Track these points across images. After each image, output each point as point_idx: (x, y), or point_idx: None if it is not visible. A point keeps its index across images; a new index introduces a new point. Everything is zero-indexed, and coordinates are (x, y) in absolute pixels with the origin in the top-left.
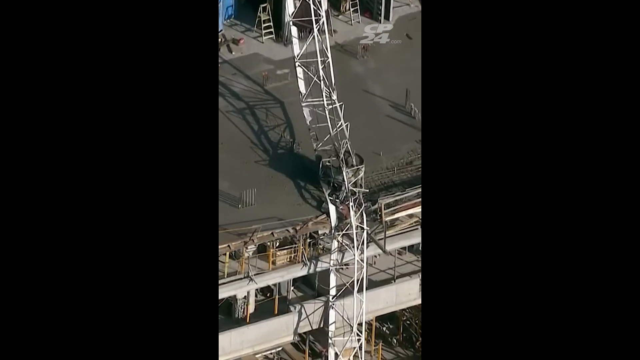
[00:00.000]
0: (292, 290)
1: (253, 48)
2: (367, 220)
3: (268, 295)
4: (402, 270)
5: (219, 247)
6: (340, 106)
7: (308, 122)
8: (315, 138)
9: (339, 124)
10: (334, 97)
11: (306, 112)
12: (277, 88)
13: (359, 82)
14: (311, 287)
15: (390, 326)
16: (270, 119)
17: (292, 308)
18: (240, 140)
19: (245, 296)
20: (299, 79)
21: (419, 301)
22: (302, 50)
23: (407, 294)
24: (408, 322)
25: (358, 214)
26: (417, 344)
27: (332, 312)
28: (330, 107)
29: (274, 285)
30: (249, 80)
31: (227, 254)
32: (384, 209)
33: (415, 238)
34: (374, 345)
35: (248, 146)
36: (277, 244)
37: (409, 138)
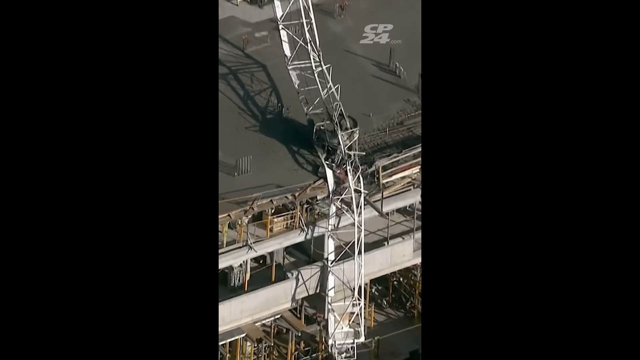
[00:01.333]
0: (285, 256)
1: (228, 11)
2: (363, 183)
3: (261, 262)
4: (392, 232)
5: (220, 217)
6: (328, 68)
7: (296, 86)
8: (305, 102)
9: (329, 86)
10: (321, 58)
11: (293, 75)
12: (257, 51)
13: (339, 42)
14: (303, 252)
15: (379, 288)
16: (255, 83)
17: (289, 275)
18: (227, 107)
19: (241, 264)
20: (283, 42)
21: (413, 262)
22: (285, 12)
23: (401, 255)
24: (397, 282)
25: (355, 178)
26: (407, 304)
27: (330, 277)
28: (319, 69)
29: (268, 252)
30: (228, 44)
31: (226, 223)
32: (381, 171)
33: (410, 199)
34: (367, 308)
35: (236, 112)
36: (273, 210)
37: (397, 97)
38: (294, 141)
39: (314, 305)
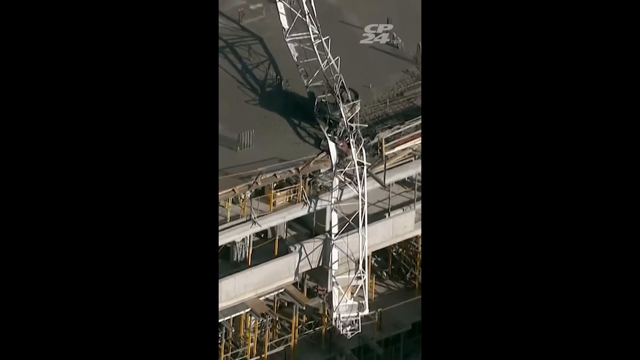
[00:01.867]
0: (287, 230)
1: None
2: (366, 156)
3: (262, 236)
4: (392, 203)
5: (223, 192)
6: (326, 40)
7: (295, 58)
8: (305, 74)
9: (328, 58)
10: (319, 30)
11: (292, 48)
12: (253, 24)
13: (335, 13)
14: (305, 225)
15: (379, 259)
16: (252, 56)
17: (292, 248)
18: (225, 80)
19: (244, 239)
20: (280, 15)
21: (415, 233)
22: None
23: (403, 227)
24: (396, 253)
25: (358, 150)
26: (407, 275)
27: (334, 250)
28: (318, 41)
29: (270, 226)
30: (224, 17)
31: (230, 198)
32: (384, 143)
33: (411, 170)
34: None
35: (235, 86)
36: (275, 184)
37: (396, 68)
38: (294, 114)
39: (316, 278)
